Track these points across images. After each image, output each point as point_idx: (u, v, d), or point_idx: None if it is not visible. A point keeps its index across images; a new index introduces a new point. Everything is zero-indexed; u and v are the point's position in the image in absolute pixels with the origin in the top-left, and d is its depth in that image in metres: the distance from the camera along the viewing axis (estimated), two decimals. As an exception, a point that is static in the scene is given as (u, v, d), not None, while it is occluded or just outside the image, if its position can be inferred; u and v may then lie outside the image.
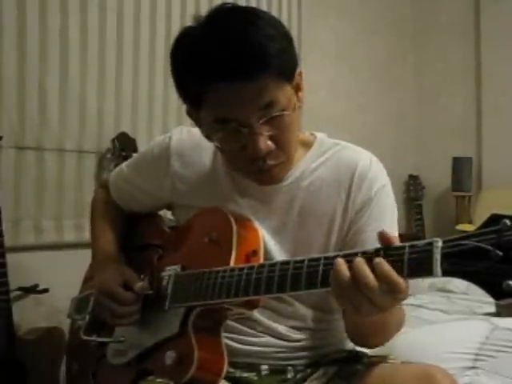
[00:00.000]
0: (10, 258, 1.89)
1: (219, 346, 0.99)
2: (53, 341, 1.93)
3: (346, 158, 1.09)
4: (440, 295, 2.50)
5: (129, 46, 2.39)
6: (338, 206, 1.07)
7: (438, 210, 3.66)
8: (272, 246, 1.07)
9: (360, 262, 0.76)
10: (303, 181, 1.08)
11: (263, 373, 1.08)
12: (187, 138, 1.16)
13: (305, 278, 0.83)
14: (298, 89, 1.02)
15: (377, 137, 3.36)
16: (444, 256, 0.71)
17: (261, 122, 0.94)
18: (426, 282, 2.52)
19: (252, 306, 0.97)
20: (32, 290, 2.07)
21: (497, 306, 2.03)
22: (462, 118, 3.59)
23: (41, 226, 2.18)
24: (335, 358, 1.13)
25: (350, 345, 1.14)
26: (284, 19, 2.86)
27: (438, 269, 0.70)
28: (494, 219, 0.69)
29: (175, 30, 1.01)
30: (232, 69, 0.90)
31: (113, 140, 2.28)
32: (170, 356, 0.97)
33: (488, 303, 2.14)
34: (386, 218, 1.07)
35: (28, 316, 2.08)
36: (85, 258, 1.30)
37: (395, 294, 0.75)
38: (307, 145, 1.12)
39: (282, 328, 1.09)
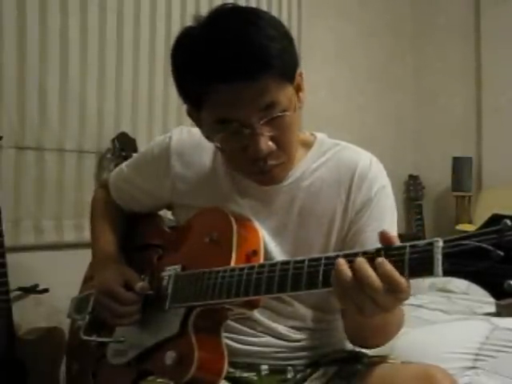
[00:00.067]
0: (10, 258, 1.89)
1: (219, 346, 0.99)
2: (53, 341, 1.93)
3: (346, 159, 1.09)
4: (440, 295, 2.50)
5: (129, 46, 2.39)
6: (338, 206, 1.07)
7: (438, 210, 3.66)
8: (272, 247, 1.07)
9: (362, 262, 0.76)
10: (304, 181, 1.08)
11: (263, 373, 1.08)
12: (187, 138, 1.16)
13: (305, 278, 0.83)
14: (298, 89, 1.02)
15: (377, 137, 3.36)
16: (445, 256, 0.71)
17: (262, 122, 0.94)
18: (426, 281, 2.52)
19: (252, 306, 0.97)
20: (32, 290, 2.07)
21: (497, 306, 2.03)
22: (462, 119, 3.59)
23: (41, 226, 2.17)
24: (335, 358, 1.13)
25: (349, 345, 1.13)
26: (284, 19, 2.86)
27: (438, 269, 0.70)
28: (495, 219, 0.69)
29: (175, 30, 1.01)
30: (233, 69, 0.90)
31: (113, 140, 2.28)
32: (170, 356, 0.97)
33: (488, 303, 2.14)
34: (386, 218, 1.07)
35: (28, 316, 2.08)
36: (85, 257, 1.30)
37: (397, 294, 0.75)
38: (307, 145, 1.12)
39: (281, 328, 1.09)
